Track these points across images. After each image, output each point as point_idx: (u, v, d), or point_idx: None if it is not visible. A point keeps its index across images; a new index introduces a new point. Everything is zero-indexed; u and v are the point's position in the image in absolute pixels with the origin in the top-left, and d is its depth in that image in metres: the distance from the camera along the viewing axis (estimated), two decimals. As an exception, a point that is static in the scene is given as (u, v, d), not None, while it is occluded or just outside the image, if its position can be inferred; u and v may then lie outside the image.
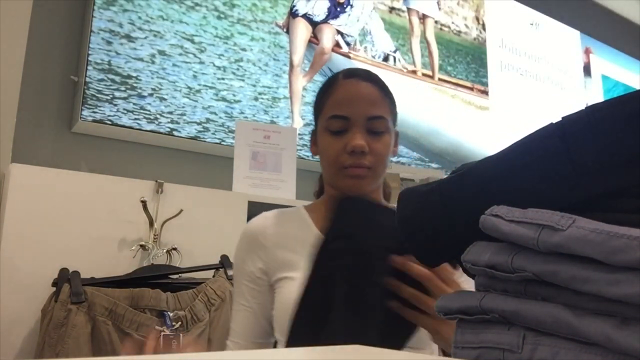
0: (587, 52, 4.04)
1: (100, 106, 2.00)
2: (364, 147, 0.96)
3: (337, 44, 2.70)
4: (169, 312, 1.34)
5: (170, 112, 2.16)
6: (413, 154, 2.92)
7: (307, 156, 2.49)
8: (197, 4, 2.30)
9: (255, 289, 1.02)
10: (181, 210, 1.54)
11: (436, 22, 3.17)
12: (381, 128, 0.99)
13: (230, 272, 1.44)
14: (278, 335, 1.00)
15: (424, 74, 3.02)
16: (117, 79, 2.05)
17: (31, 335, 1.31)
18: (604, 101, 0.43)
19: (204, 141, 2.22)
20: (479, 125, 3.22)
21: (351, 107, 0.99)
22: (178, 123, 2.17)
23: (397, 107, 1.08)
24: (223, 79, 2.32)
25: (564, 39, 3.91)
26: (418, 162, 2.92)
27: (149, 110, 2.11)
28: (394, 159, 2.80)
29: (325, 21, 2.68)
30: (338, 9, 2.73)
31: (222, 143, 2.25)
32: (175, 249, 1.52)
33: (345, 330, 0.76)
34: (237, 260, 1.06)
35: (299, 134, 2.45)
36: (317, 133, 1.05)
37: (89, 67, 1.99)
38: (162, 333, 1.30)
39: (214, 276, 1.47)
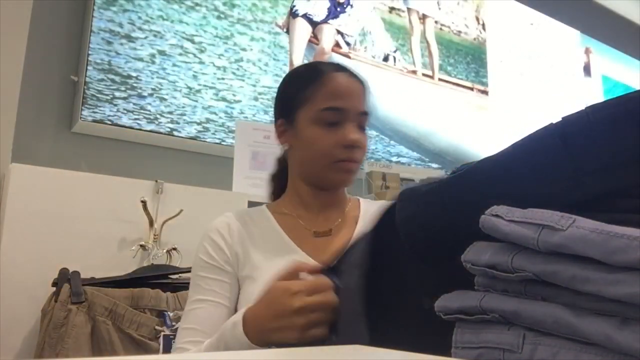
0: (587, 52, 4.04)
1: (100, 106, 2.00)
2: (360, 141, 0.97)
3: (337, 44, 2.70)
4: (169, 312, 1.34)
5: (170, 112, 2.16)
6: (413, 154, 2.92)
7: (307, 156, 2.49)
8: (197, 4, 2.30)
9: (225, 281, 0.95)
10: (181, 210, 1.54)
11: (436, 22, 3.17)
12: (366, 124, 1.01)
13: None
14: None
15: (424, 74, 3.02)
16: (117, 79, 2.05)
17: (31, 335, 1.31)
18: (604, 101, 0.43)
19: (204, 141, 2.22)
20: (479, 125, 3.22)
21: (347, 101, 0.97)
22: (178, 123, 2.17)
23: None
24: (223, 79, 2.32)
25: (564, 39, 3.91)
26: (418, 162, 2.92)
27: (149, 110, 2.11)
28: (394, 158, 2.80)
29: (325, 21, 2.68)
30: (338, 9, 2.73)
31: (222, 143, 2.25)
32: (175, 249, 1.52)
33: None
34: (202, 256, 0.98)
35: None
36: (294, 124, 1.01)
37: (89, 67, 1.99)
38: (162, 333, 1.31)
39: (214, 276, 1.47)
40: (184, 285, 1.42)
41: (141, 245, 1.47)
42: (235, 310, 0.93)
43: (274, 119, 1.10)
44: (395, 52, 2.93)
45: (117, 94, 2.04)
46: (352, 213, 1.06)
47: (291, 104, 1.02)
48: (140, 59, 2.11)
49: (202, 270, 0.96)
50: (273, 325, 0.71)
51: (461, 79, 3.21)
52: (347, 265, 0.75)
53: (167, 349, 1.29)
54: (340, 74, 1.00)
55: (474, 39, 3.37)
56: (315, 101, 0.98)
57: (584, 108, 0.44)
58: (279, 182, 1.10)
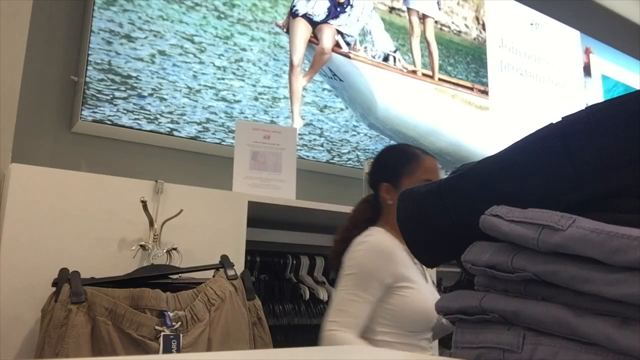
0: (587, 52, 4.04)
1: (100, 106, 2.00)
2: None
3: (337, 44, 2.70)
4: (169, 312, 1.34)
5: (170, 112, 2.16)
6: (413, 154, 2.92)
7: (307, 156, 2.49)
8: (197, 4, 2.30)
9: (379, 289, 1.41)
10: (181, 210, 1.54)
11: (436, 22, 3.17)
12: None
13: (230, 272, 1.44)
14: (389, 329, 1.41)
15: (424, 74, 3.02)
16: (117, 79, 2.05)
17: (31, 335, 1.31)
18: (604, 101, 0.43)
19: (204, 141, 2.22)
20: (479, 125, 3.22)
21: (435, 175, 1.55)
22: (178, 123, 2.17)
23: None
24: (223, 79, 2.32)
25: (564, 39, 3.91)
26: (418, 162, 2.92)
27: (149, 110, 2.11)
28: (394, 159, 2.80)
29: (325, 21, 2.68)
30: (338, 9, 2.73)
31: (222, 143, 2.25)
32: (175, 249, 1.52)
33: None
34: (374, 266, 1.42)
35: (299, 134, 2.45)
36: (398, 187, 1.50)
37: (89, 67, 1.99)
38: (162, 333, 1.30)
39: (214, 276, 1.47)
40: (184, 285, 1.42)
41: (141, 245, 1.47)
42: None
43: (377, 182, 1.60)
44: (395, 52, 2.93)
45: (117, 94, 2.04)
46: None
47: (397, 173, 1.54)
48: (140, 59, 2.11)
49: (373, 279, 1.41)
50: None
51: (461, 79, 3.21)
52: None
53: (167, 349, 1.29)
54: (430, 157, 1.60)
55: (474, 39, 3.37)
56: (416, 174, 1.52)
57: (584, 108, 0.44)
58: (372, 214, 1.58)
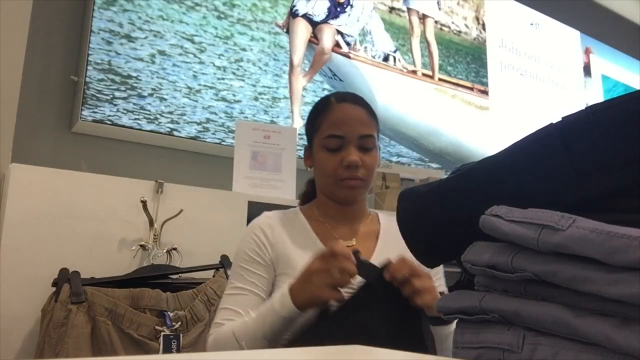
0: (587, 52, 4.04)
1: (100, 106, 2.00)
2: (357, 162, 1.12)
3: (337, 44, 2.70)
4: (169, 312, 1.34)
5: (170, 112, 2.16)
6: (413, 154, 2.92)
7: (307, 156, 2.49)
8: (197, 4, 2.30)
9: (263, 276, 1.10)
10: (181, 210, 1.54)
11: (436, 22, 3.17)
12: (370, 145, 1.16)
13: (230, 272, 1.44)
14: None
15: (424, 74, 3.02)
16: (117, 79, 2.05)
17: (31, 335, 1.31)
18: (604, 101, 0.43)
19: (204, 141, 2.22)
20: (479, 125, 3.22)
21: (345, 127, 1.14)
22: (178, 123, 2.17)
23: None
24: (223, 79, 2.32)
25: (564, 39, 3.91)
26: (418, 162, 2.92)
27: (149, 110, 2.11)
28: (394, 158, 2.80)
29: (325, 21, 2.68)
30: (338, 9, 2.73)
31: (222, 143, 2.25)
32: (175, 249, 1.52)
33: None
34: (246, 250, 1.13)
35: (299, 134, 2.45)
36: (312, 149, 1.20)
37: (89, 67, 1.99)
38: (162, 333, 1.30)
39: (214, 276, 1.47)
40: (184, 285, 1.42)
41: (141, 245, 1.47)
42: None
43: None
44: (395, 52, 2.93)
45: (117, 94, 2.04)
46: (372, 227, 1.20)
47: (309, 133, 1.22)
48: (140, 59, 2.11)
49: (245, 263, 1.11)
50: (301, 286, 0.95)
51: (461, 79, 3.21)
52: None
53: (167, 349, 1.29)
54: (343, 104, 1.17)
55: (474, 39, 3.37)
56: (322, 130, 1.16)
57: (584, 108, 0.44)
58: (311, 189, 1.26)
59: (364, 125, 1.16)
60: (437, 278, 1.14)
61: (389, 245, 1.15)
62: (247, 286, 1.09)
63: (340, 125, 1.14)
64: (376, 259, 1.05)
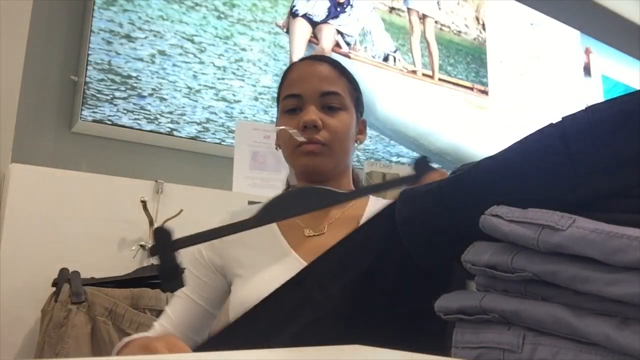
0: (587, 52, 4.04)
1: (100, 106, 2.00)
2: (315, 121, 0.93)
3: (337, 44, 2.70)
4: (169, 312, 1.34)
5: (170, 112, 2.16)
6: (413, 154, 2.92)
7: (307, 156, 2.49)
8: (197, 4, 2.30)
9: (206, 282, 0.97)
10: (181, 210, 1.54)
11: (436, 22, 3.17)
12: (336, 103, 0.96)
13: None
14: None
15: (424, 74, 3.02)
16: (117, 79, 2.05)
17: (31, 335, 1.31)
18: (604, 101, 0.43)
19: (204, 141, 2.22)
20: (479, 125, 3.22)
21: (303, 85, 0.97)
22: (178, 123, 2.17)
23: (361, 95, 1.05)
24: (223, 79, 2.32)
25: (564, 39, 3.91)
26: (418, 162, 2.91)
27: (149, 110, 2.11)
28: (394, 158, 2.80)
29: (325, 21, 2.68)
30: (338, 9, 2.73)
31: (222, 143, 2.25)
32: (175, 249, 1.51)
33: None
34: (193, 249, 0.98)
35: (299, 134, 2.44)
36: (278, 121, 1.02)
37: (89, 67, 1.99)
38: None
39: (214, 276, 1.47)
40: (184, 285, 1.42)
41: (141, 245, 1.47)
42: (229, 307, 0.94)
43: None
44: (395, 52, 2.93)
45: (117, 94, 2.04)
46: (355, 212, 0.99)
47: (277, 104, 1.04)
48: (140, 59, 2.11)
49: (190, 264, 0.97)
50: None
51: (461, 79, 3.21)
52: (330, 269, 0.75)
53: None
54: (301, 62, 1.02)
55: (474, 39, 3.37)
56: (281, 94, 1.00)
57: (584, 108, 0.44)
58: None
59: (327, 82, 0.97)
60: None
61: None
62: (184, 290, 0.96)
63: (297, 83, 0.97)
64: None
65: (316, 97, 0.96)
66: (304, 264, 0.88)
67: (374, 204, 1.01)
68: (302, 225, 0.97)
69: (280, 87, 1.02)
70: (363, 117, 1.06)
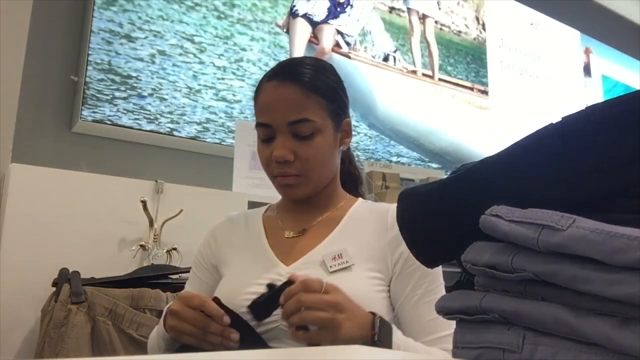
0: (587, 52, 4.04)
1: (100, 106, 2.00)
2: (285, 156, 0.94)
3: (337, 44, 2.70)
4: (169, 312, 1.34)
5: (170, 112, 2.16)
6: (413, 154, 2.92)
7: (307, 156, 2.49)
8: (197, 4, 2.30)
9: (203, 280, 1.06)
10: (181, 210, 1.54)
11: (436, 22, 3.17)
12: (306, 131, 0.94)
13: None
14: None
15: (424, 74, 3.02)
16: (117, 79, 2.05)
17: (31, 335, 1.31)
18: (604, 101, 0.43)
19: (204, 141, 2.22)
20: (479, 125, 3.22)
21: (271, 114, 0.95)
22: (178, 123, 2.17)
23: (343, 97, 1.03)
24: (223, 79, 2.32)
25: (564, 39, 3.91)
26: (418, 162, 2.92)
27: (149, 110, 2.11)
28: (394, 158, 2.80)
29: (325, 21, 2.68)
30: (338, 9, 2.73)
31: (222, 143, 2.25)
32: (175, 249, 1.52)
33: None
34: (197, 253, 1.10)
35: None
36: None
37: (89, 67, 1.99)
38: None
39: (214, 276, 1.47)
40: (184, 286, 1.42)
41: (141, 245, 1.47)
42: None
43: None
44: (395, 52, 2.93)
45: (117, 94, 2.04)
46: (338, 214, 1.02)
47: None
48: (140, 59, 2.11)
49: (193, 266, 1.09)
50: (166, 320, 0.90)
51: (461, 79, 3.21)
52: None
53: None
54: (270, 83, 0.97)
55: (474, 39, 3.37)
56: (256, 116, 1.00)
57: (584, 108, 0.44)
58: None
59: (294, 109, 0.93)
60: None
61: (349, 232, 0.97)
62: (188, 288, 1.08)
63: (266, 112, 0.96)
64: (324, 250, 0.94)
65: (285, 126, 0.94)
66: (280, 263, 0.96)
67: (361, 206, 1.04)
68: (282, 226, 1.03)
69: (254, 106, 1.01)
70: (348, 117, 1.05)
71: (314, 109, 0.95)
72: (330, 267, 0.91)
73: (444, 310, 0.50)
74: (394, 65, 2.91)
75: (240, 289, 0.93)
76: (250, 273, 0.96)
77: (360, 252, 0.93)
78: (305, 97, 0.94)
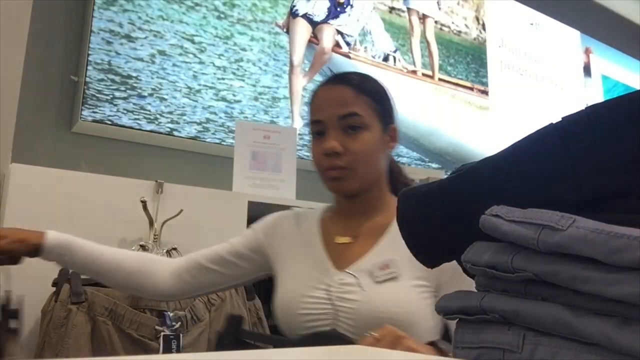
0: (587, 52, 4.04)
1: (100, 106, 2.00)
2: (334, 148, 1.01)
3: (337, 44, 2.70)
4: (169, 312, 1.34)
5: (170, 112, 2.16)
6: (413, 154, 2.92)
7: (307, 156, 2.49)
8: (197, 4, 2.30)
9: (233, 261, 1.12)
10: (181, 210, 1.54)
11: (436, 22, 3.17)
12: (356, 124, 1.03)
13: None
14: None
15: (424, 74, 3.02)
16: (117, 79, 2.05)
17: (31, 335, 1.31)
18: (604, 101, 0.43)
19: (204, 141, 2.22)
20: (479, 125, 3.22)
21: (322, 111, 1.05)
22: (178, 123, 2.17)
23: (390, 104, 1.12)
24: (223, 79, 2.32)
25: (564, 39, 3.91)
26: (418, 162, 2.92)
27: (149, 110, 2.11)
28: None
29: (325, 21, 2.68)
30: (338, 9, 2.73)
31: (222, 143, 2.25)
32: (175, 249, 1.52)
33: None
34: (246, 231, 1.16)
35: (299, 134, 2.45)
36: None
37: (89, 67, 1.99)
38: (162, 333, 1.30)
39: (214, 276, 1.47)
40: (184, 285, 1.42)
41: (141, 245, 1.47)
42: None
43: None
44: (395, 52, 2.93)
45: (117, 94, 2.04)
46: (384, 220, 1.05)
47: None
48: (140, 59, 2.11)
49: (236, 240, 1.14)
50: None
51: (461, 79, 3.21)
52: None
53: (167, 349, 1.29)
54: (323, 87, 1.09)
55: (474, 39, 3.37)
56: (310, 117, 1.09)
57: (584, 108, 0.44)
58: None
59: (343, 104, 1.03)
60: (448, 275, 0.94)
61: (396, 240, 0.94)
62: (226, 248, 1.14)
63: (318, 110, 1.06)
64: (372, 259, 0.97)
65: (335, 121, 1.03)
66: (333, 268, 1.01)
67: None
68: (335, 231, 1.08)
69: (308, 111, 1.11)
70: (394, 124, 1.12)
71: (363, 106, 1.04)
72: (377, 277, 0.96)
73: (444, 310, 0.50)
74: (394, 65, 2.91)
75: (300, 291, 1.00)
76: (307, 277, 1.02)
77: (406, 260, 0.94)
78: (354, 95, 1.04)
